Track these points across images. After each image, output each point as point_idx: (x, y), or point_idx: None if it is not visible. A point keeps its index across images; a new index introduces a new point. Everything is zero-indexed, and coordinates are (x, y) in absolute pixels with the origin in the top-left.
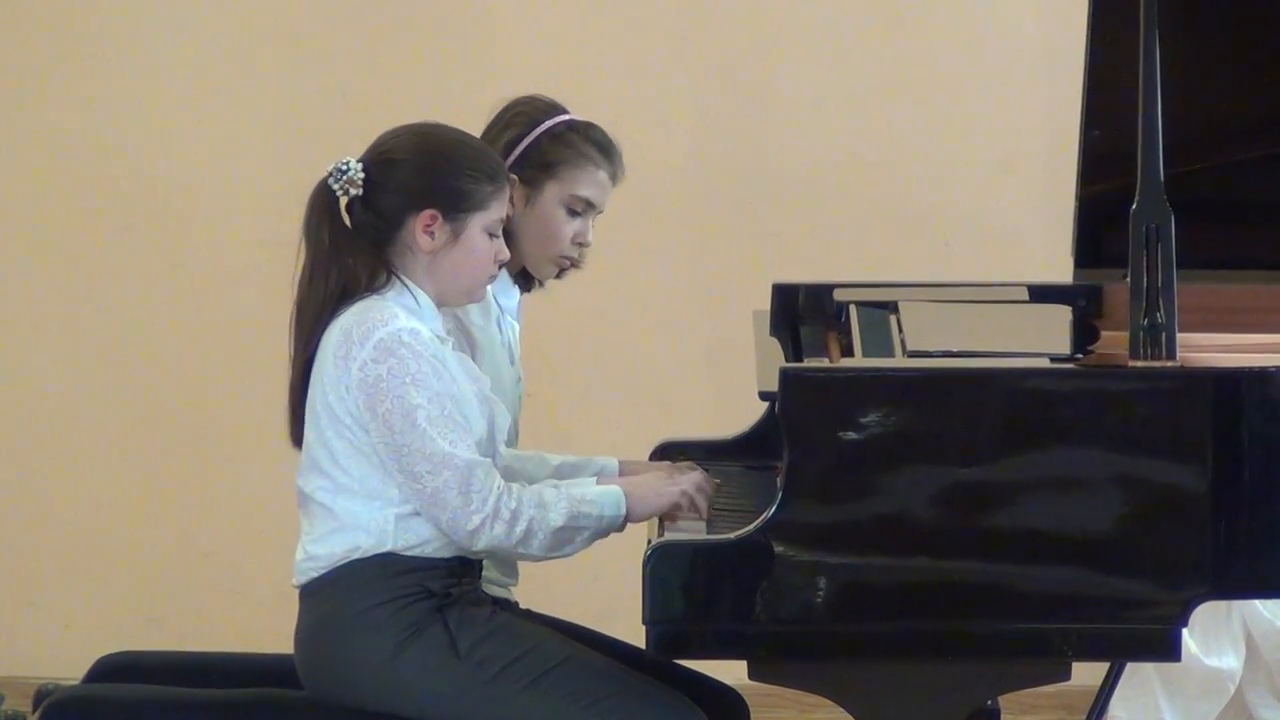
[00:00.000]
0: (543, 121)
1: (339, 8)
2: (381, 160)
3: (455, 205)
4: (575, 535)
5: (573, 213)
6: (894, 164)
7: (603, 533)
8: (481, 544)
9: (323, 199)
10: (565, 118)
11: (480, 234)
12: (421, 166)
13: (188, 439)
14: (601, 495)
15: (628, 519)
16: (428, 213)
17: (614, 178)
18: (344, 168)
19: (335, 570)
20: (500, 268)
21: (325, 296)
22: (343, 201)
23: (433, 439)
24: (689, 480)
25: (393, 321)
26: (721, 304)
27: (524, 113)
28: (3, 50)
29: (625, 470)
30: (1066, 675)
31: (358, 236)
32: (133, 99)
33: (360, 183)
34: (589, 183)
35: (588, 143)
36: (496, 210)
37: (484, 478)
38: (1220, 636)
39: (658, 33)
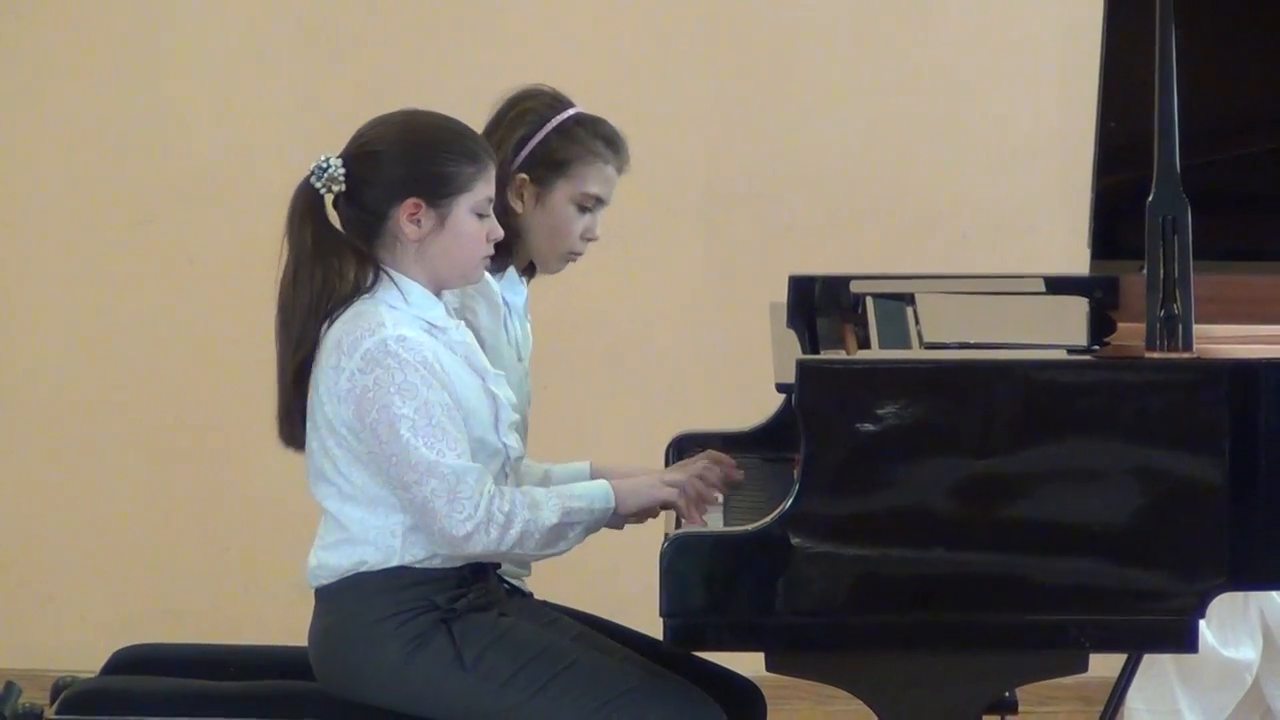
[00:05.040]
0: (551, 118)
1: (360, 1)
2: (360, 154)
3: (437, 190)
4: (568, 531)
5: (582, 209)
6: (910, 156)
7: (594, 527)
8: (475, 550)
9: (305, 199)
10: (573, 112)
11: (468, 216)
12: (399, 155)
13: (204, 433)
14: (589, 489)
15: (618, 512)
16: (410, 201)
17: (621, 170)
18: (324, 165)
19: (343, 580)
20: (493, 246)
21: (311, 298)
22: (328, 199)
23: (417, 448)
24: (684, 476)
25: (379, 330)
26: (738, 296)
27: (532, 109)
28: (21, 44)
29: (600, 472)
30: (1084, 666)
31: (345, 233)
32: (151, 93)
33: (342, 179)
34: (599, 179)
35: (596, 139)
36: (482, 190)
37: (474, 484)
38: (1237, 628)
39: (674, 28)
